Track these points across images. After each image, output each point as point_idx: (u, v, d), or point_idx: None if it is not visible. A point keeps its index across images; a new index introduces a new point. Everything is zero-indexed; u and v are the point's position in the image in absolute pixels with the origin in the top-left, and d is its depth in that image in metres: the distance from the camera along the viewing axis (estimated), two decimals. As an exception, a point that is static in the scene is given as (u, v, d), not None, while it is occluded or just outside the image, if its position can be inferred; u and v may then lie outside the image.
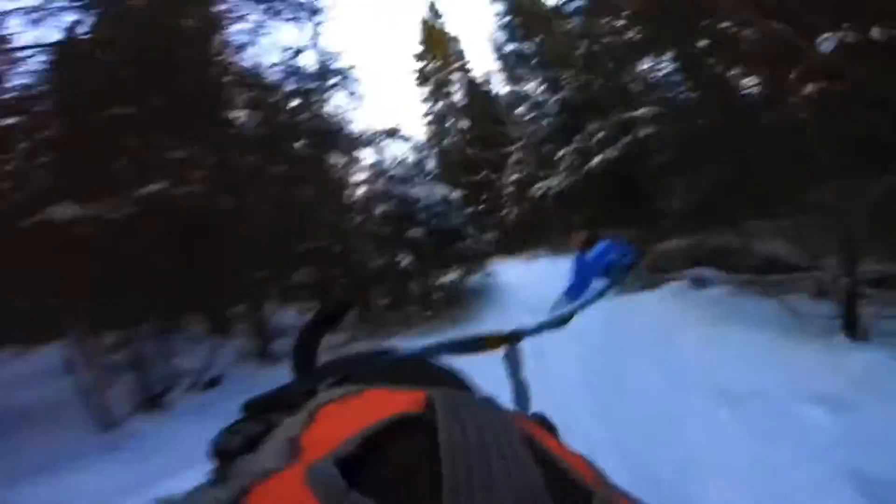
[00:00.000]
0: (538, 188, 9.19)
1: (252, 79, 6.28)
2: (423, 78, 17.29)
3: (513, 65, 14.27)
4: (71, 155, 3.70)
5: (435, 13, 17.65)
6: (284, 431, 0.28)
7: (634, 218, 6.11)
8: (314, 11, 6.20)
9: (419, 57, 17.35)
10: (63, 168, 3.70)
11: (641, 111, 6.42)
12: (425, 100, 17.32)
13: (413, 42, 20.89)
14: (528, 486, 0.20)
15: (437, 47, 17.20)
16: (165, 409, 3.77)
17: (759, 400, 1.90)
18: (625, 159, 6.72)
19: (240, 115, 6.24)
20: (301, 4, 6.11)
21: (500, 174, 12.54)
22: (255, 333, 5.31)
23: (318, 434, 0.26)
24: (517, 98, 14.50)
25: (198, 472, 0.32)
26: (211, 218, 3.85)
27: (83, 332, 3.64)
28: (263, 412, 0.37)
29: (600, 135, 7.40)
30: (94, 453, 2.96)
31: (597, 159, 7.21)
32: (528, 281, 6.42)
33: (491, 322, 5.15)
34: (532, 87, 13.59)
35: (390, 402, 0.29)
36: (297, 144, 6.27)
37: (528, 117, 13.01)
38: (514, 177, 11.55)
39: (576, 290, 3.24)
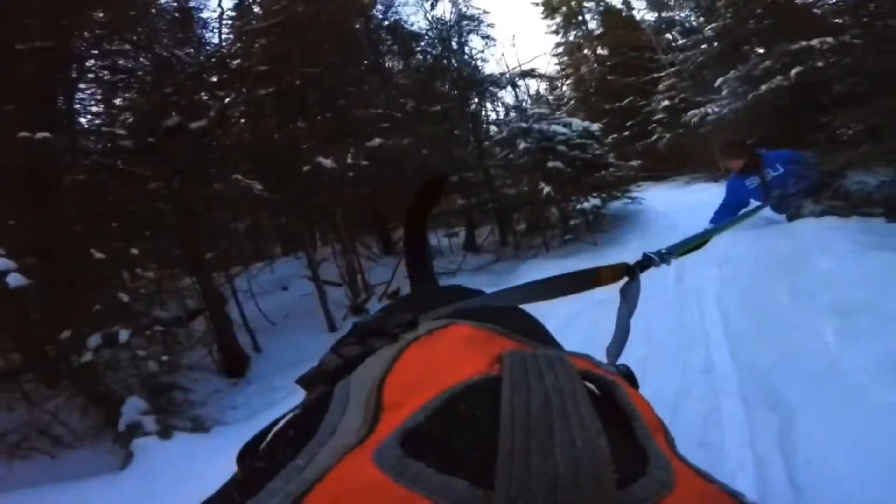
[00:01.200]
0: (694, 114, 8.97)
1: (401, 30, 7.12)
2: (550, 10, 16.60)
3: None
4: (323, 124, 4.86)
5: None
6: (373, 367, 0.32)
7: (805, 147, 5.66)
8: None
9: None
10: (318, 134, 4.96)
11: (817, 41, 5.81)
12: (553, 32, 16.72)
13: None
14: (590, 453, 0.20)
15: None
16: (368, 313, 4.97)
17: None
18: (796, 87, 6.18)
19: (394, 63, 7.18)
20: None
21: (648, 100, 11.96)
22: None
23: (399, 386, 0.29)
24: (665, 24, 13.61)
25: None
26: (396, 156, 4.80)
27: (313, 251, 5.00)
28: (368, 336, 0.40)
29: (766, 63, 6.86)
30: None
31: (764, 87, 6.67)
32: (677, 207, 6.36)
33: (629, 245, 5.38)
34: (682, 13, 12.73)
35: (472, 353, 0.32)
36: (442, 87, 7.04)
37: (679, 43, 12.46)
38: (666, 103, 10.99)
39: (725, 213, 3.60)
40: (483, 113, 7.98)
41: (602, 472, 0.20)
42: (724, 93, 8.03)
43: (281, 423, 0.33)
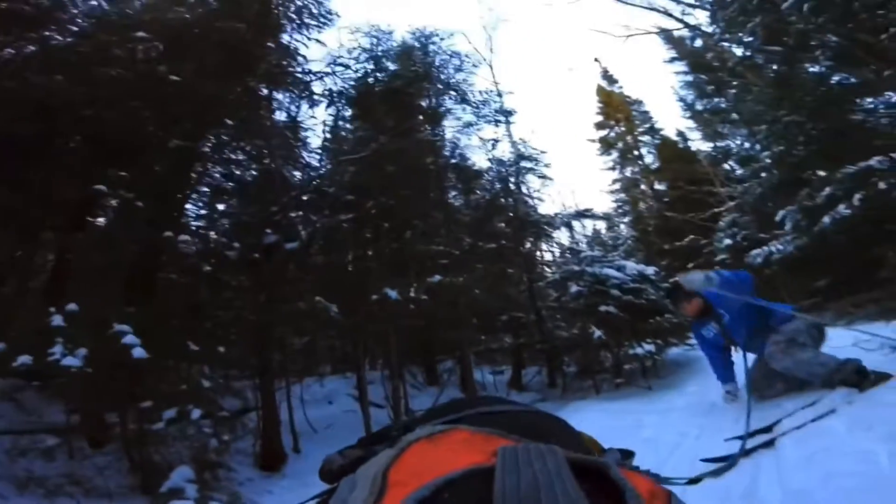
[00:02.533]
0: (757, 254, 8.26)
1: (463, 169, 7.97)
2: (606, 146, 17.10)
3: (708, 121, 13.67)
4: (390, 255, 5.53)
5: (609, 79, 17.71)
6: (378, 461, 0.34)
7: (875, 286, 5.37)
8: (509, 113, 7.88)
9: (599, 126, 17.39)
10: (385, 264, 5.54)
11: (877, 159, 5.71)
12: (610, 168, 17.07)
13: (588, 112, 20.93)
14: None
15: (619, 111, 17.03)
16: None
17: None
18: (861, 217, 5.97)
19: (455, 200, 7.92)
20: (500, 111, 7.84)
21: (709, 239, 11.39)
22: (461, 385, 6.33)
23: (403, 471, 0.32)
24: (721, 154, 13.42)
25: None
26: (453, 292, 5.15)
27: (363, 370, 5.28)
28: (370, 444, 0.45)
29: (827, 190, 6.62)
30: None
31: (827, 218, 6.45)
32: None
33: (686, 390, 5.11)
34: (737, 142, 12.57)
35: (466, 450, 0.35)
36: (499, 225, 7.61)
37: (737, 174, 12.12)
38: (728, 241, 10.36)
39: (718, 361, 3.35)
40: (537, 253, 8.37)
41: None
42: (787, 227, 7.47)
43: None
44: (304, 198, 5.33)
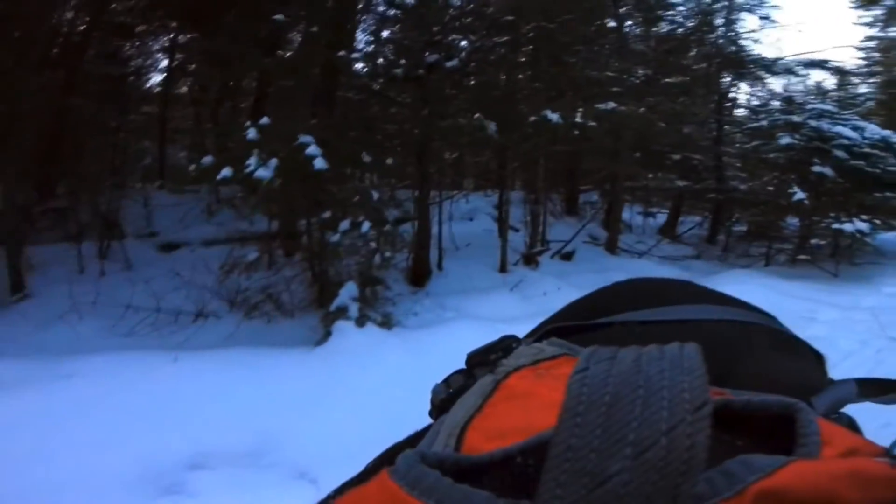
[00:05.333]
0: None
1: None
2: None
3: None
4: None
5: None
6: (464, 405, 0.29)
7: None
8: None
9: None
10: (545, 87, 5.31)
11: None
12: (869, 24, 12.98)
13: None
14: (677, 458, 0.15)
15: None
16: (537, 266, 5.26)
17: None
18: None
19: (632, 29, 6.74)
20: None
21: None
22: (604, 224, 6.22)
23: (483, 430, 0.26)
24: None
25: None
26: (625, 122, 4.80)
27: (506, 190, 5.49)
28: (476, 365, 0.39)
29: None
30: (490, 287, 4.64)
31: None
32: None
33: (882, 289, 4.40)
34: None
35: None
36: (689, 62, 6.39)
37: None
38: None
39: None
40: (734, 96, 7.11)
41: (687, 482, 0.15)
42: None
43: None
44: (462, 20, 5.20)
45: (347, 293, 3.31)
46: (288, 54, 5.47)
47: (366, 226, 3.65)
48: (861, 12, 13.49)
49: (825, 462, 0.17)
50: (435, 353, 2.57)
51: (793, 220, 5.72)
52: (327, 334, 3.18)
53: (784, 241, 5.70)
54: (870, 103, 10.20)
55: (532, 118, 4.60)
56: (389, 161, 4.38)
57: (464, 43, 5.19)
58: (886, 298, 4.12)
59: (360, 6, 5.04)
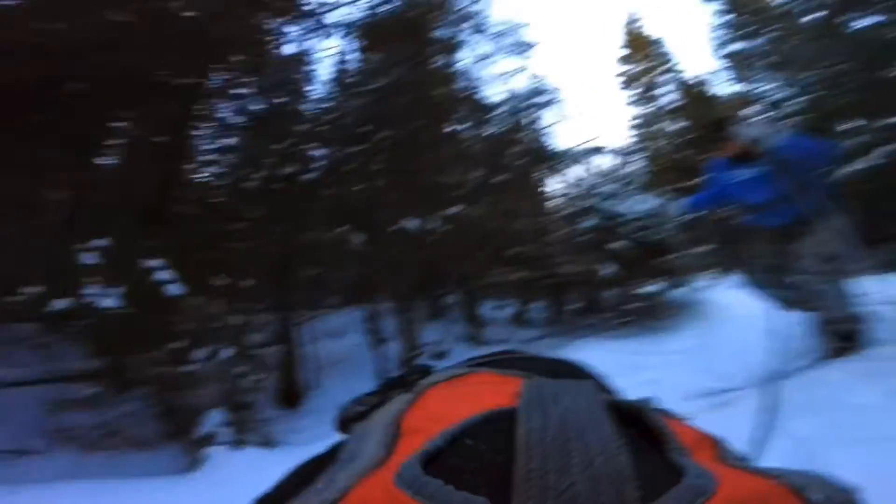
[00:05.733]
0: None
1: (477, 101, 7.89)
2: (629, 81, 17.47)
3: (739, 64, 13.59)
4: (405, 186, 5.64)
5: (636, 15, 17.75)
6: (391, 407, 0.34)
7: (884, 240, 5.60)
8: (528, 45, 7.64)
9: (623, 60, 17.59)
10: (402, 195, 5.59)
11: None
12: (632, 104, 17.45)
13: (612, 49, 21.32)
14: (610, 469, 0.21)
15: (641, 50, 17.30)
16: None
17: None
18: (883, 170, 6.23)
19: (466, 132, 7.90)
20: (518, 43, 7.60)
21: None
22: (467, 320, 6.77)
23: (418, 417, 0.31)
24: (747, 98, 13.79)
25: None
26: (469, 224, 5.35)
27: (375, 304, 5.64)
28: (388, 389, 0.44)
29: (854, 140, 6.91)
30: None
31: (847, 169, 6.70)
32: (744, 300, 6.45)
33: (685, 333, 5.51)
34: (766, 87, 12.88)
35: (487, 392, 0.33)
36: (511, 159, 7.66)
37: (760, 119, 12.41)
38: None
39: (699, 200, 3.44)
40: (548, 187, 8.53)
41: (624, 487, 0.20)
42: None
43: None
44: (318, 130, 5.41)
45: (213, 420, 3.10)
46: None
47: (226, 352, 3.50)
48: (629, 92, 17.30)
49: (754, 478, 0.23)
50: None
51: (610, 292, 6.83)
52: (195, 461, 2.88)
53: (609, 310, 6.77)
54: (643, 178, 12.88)
55: (392, 227, 4.91)
56: (248, 282, 4.20)
57: (319, 153, 5.21)
58: (691, 340, 5.12)
59: (204, 113, 4.79)
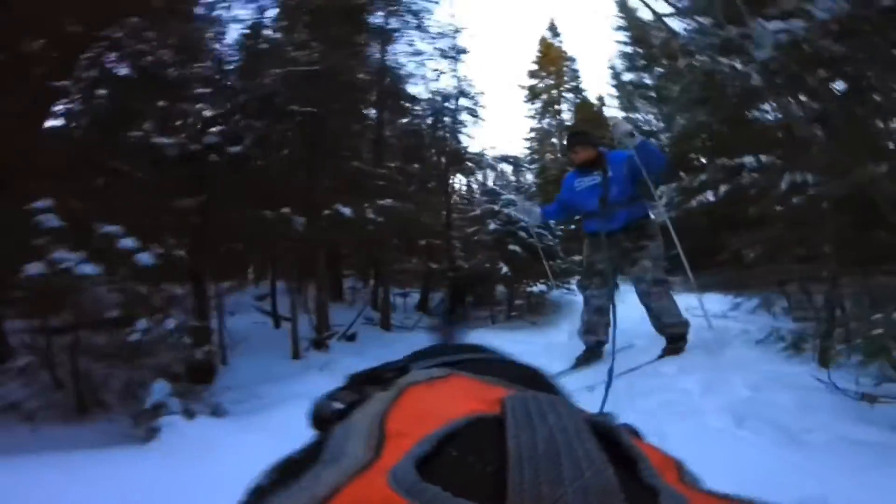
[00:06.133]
0: None
1: (400, 93, 8.11)
2: (533, 95, 18.76)
3: (629, 93, 15.33)
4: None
5: (554, 31, 19.27)
6: (373, 406, 0.33)
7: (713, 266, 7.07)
8: (463, 51, 8.09)
9: (532, 74, 18.98)
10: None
11: (748, 159, 7.37)
12: (532, 117, 18.82)
13: (528, 60, 22.61)
14: (599, 483, 0.22)
15: (552, 65, 18.73)
16: (328, 349, 5.60)
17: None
18: (721, 205, 7.71)
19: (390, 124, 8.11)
20: (454, 48, 8.01)
21: None
22: (372, 304, 7.14)
23: (402, 419, 0.30)
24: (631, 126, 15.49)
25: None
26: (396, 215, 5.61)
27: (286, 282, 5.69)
28: (362, 384, 0.43)
29: (703, 176, 8.19)
30: (294, 373, 4.72)
31: (695, 201, 8.15)
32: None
33: (562, 327, 6.41)
34: (647, 117, 14.66)
35: (470, 398, 0.33)
36: (429, 156, 8.14)
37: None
38: None
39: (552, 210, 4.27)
40: (459, 187, 9.16)
41: (612, 501, 0.21)
42: (662, 201, 9.26)
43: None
44: (235, 100, 5.13)
45: (160, 391, 3.09)
46: None
47: (170, 322, 3.49)
48: (529, 105, 18.57)
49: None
50: (287, 433, 2.60)
51: (503, 289, 7.68)
52: (151, 431, 2.89)
53: (500, 304, 7.61)
54: (533, 189, 13.99)
55: (326, 212, 4.90)
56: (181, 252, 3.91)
57: (238, 126, 4.77)
58: (562, 332, 6.02)
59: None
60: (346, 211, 4.85)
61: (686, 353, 3.58)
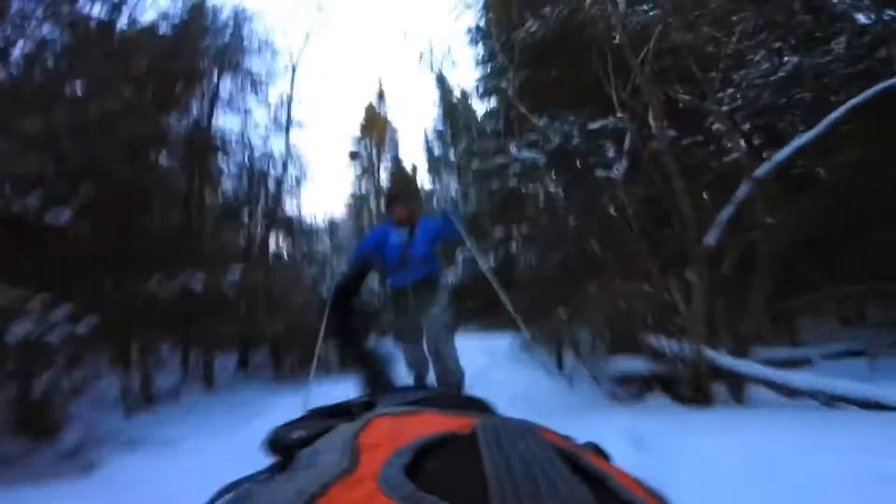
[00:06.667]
0: None
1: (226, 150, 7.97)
2: (353, 157, 19.89)
3: (436, 165, 17.56)
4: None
5: (381, 97, 20.83)
6: (342, 431, 0.33)
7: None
8: (294, 122, 8.43)
9: (358, 139, 20.11)
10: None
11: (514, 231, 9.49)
12: (352, 181, 19.85)
13: (351, 127, 24.18)
14: (578, 500, 0.22)
15: (375, 131, 20.03)
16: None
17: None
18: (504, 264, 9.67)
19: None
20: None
21: None
22: (195, 367, 6.81)
23: (375, 435, 0.30)
24: (439, 194, 17.60)
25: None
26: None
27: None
28: (326, 417, 0.43)
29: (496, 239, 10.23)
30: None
31: (489, 262, 9.93)
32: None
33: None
34: (451, 187, 16.82)
35: (441, 422, 0.33)
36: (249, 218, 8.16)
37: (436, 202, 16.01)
38: None
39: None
40: (279, 248, 9.26)
41: None
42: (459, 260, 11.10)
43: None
44: None
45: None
46: None
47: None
48: (352, 169, 19.59)
49: None
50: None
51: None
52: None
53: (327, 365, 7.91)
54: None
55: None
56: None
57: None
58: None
59: None
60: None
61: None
